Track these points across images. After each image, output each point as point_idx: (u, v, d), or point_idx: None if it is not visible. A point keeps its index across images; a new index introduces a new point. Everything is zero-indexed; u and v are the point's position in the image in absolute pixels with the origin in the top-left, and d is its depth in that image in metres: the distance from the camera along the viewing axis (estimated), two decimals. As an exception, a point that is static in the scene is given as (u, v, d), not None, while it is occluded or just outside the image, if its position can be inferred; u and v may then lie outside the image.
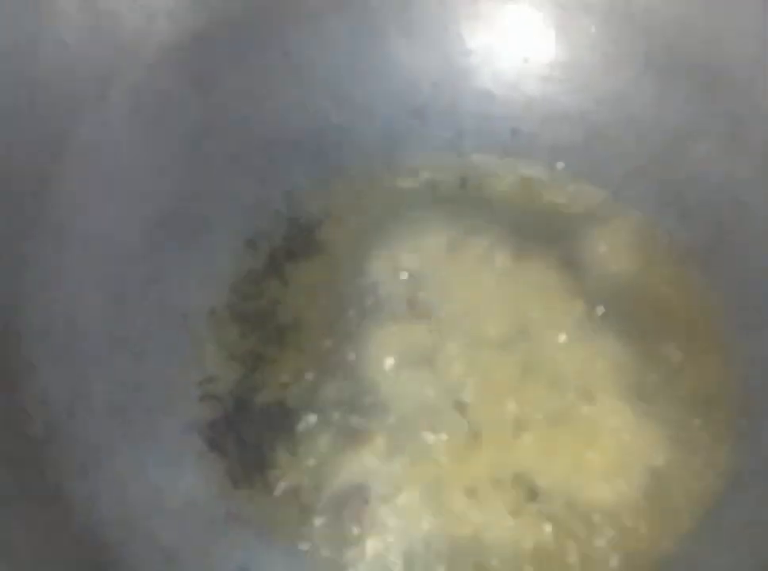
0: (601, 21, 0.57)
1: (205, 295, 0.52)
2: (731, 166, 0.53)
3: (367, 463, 0.45)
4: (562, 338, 0.50)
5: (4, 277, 0.45)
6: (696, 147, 0.55)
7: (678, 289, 0.52)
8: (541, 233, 0.54)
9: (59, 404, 0.42)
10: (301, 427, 0.47)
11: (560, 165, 0.58)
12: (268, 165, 0.57)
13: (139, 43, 0.53)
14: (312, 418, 0.47)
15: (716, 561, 0.42)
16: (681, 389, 0.48)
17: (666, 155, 0.56)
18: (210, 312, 0.52)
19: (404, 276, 0.53)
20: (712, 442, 0.46)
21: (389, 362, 0.50)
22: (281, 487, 0.45)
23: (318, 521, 0.44)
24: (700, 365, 0.49)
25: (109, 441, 0.44)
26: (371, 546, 0.43)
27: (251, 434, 0.47)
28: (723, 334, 0.50)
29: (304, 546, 0.43)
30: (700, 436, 0.47)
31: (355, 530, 0.44)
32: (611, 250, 0.54)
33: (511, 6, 0.59)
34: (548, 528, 0.44)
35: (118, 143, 0.52)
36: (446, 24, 0.59)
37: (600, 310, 0.51)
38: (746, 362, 0.49)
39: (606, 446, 0.46)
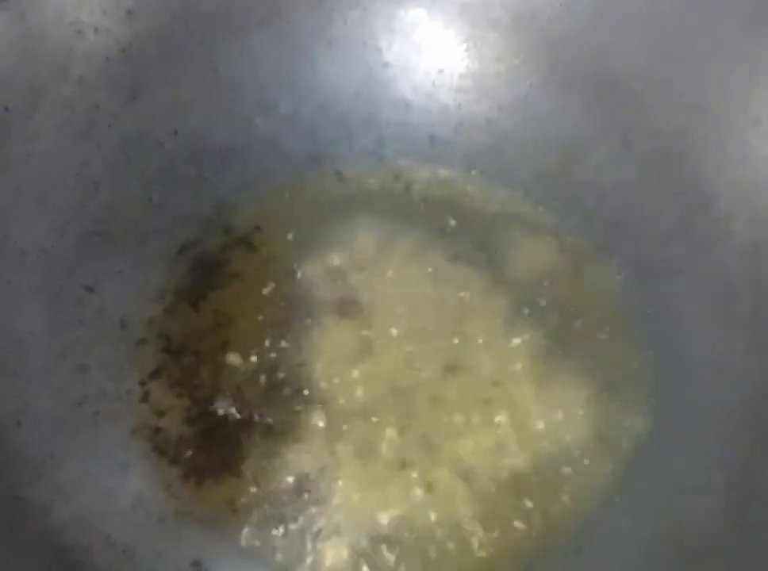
0: (507, 35, 0.62)
1: (141, 304, 0.54)
2: (624, 171, 0.58)
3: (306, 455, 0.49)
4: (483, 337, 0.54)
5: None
6: (592, 153, 0.60)
7: (588, 284, 0.57)
8: (464, 233, 0.59)
9: (5, 416, 0.44)
10: (240, 426, 0.50)
11: (475, 168, 0.62)
12: (198, 175, 0.59)
13: (68, 57, 0.54)
14: (253, 415, 0.50)
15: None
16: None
17: (566, 159, 0.61)
18: (149, 321, 0.54)
19: (335, 278, 0.56)
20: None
21: (322, 359, 0.53)
22: (226, 484, 0.48)
23: (264, 514, 0.47)
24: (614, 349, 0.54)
25: (57, 449, 0.45)
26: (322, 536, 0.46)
27: (194, 437, 0.49)
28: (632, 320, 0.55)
29: (253, 541, 0.46)
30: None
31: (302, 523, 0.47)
32: (527, 248, 0.58)
33: (425, 22, 0.63)
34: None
35: (49, 156, 0.53)
36: (365, 39, 0.62)
37: (523, 309, 0.55)
38: (653, 341, 0.54)
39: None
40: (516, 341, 0.54)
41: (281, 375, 0.52)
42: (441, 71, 0.63)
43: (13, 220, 0.50)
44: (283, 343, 0.53)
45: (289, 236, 0.58)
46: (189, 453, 0.49)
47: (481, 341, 0.54)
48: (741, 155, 0.53)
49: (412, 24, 0.63)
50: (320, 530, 0.47)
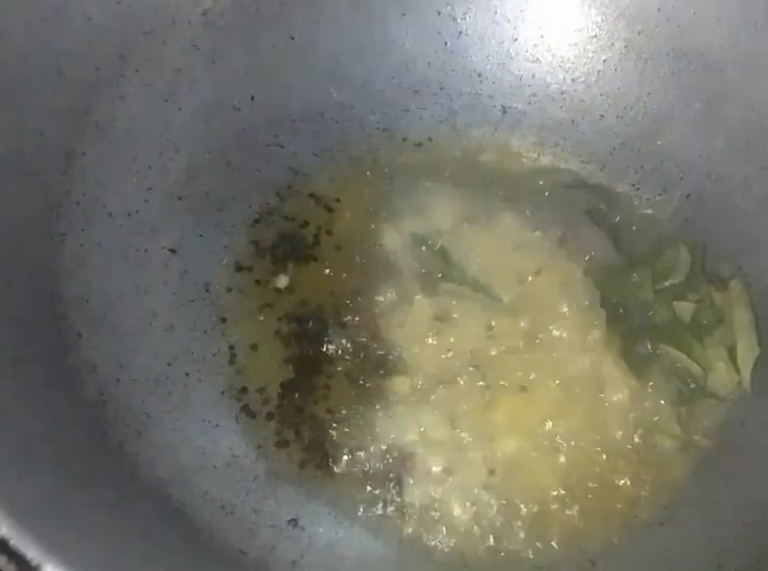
0: (584, 6, 0.61)
1: (224, 267, 0.55)
2: (707, 143, 0.58)
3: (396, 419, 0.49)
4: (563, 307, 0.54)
5: (42, 250, 0.46)
6: (674, 126, 0.59)
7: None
8: (539, 205, 0.58)
9: (106, 373, 0.44)
10: (331, 383, 0.50)
11: (548, 140, 0.62)
12: (274, 142, 0.59)
13: (153, 20, 0.54)
14: (341, 377, 0.50)
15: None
16: None
17: (645, 132, 0.60)
18: (229, 285, 0.54)
19: (416, 247, 0.56)
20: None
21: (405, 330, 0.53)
22: (315, 449, 0.48)
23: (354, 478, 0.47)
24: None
25: (153, 409, 0.46)
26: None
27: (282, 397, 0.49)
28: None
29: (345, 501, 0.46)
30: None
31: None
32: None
33: (501, -9, 0.62)
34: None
35: (135, 119, 0.54)
36: (439, 8, 0.62)
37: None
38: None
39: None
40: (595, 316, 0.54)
41: (365, 342, 0.52)
42: (515, 41, 0.63)
43: (103, 183, 0.50)
44: (365, 313, 0.53)
45: (369, 202, 0.58)
46: (277, 416, 0.49)
47: (565, 310, 0.53)
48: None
49: (487, -8, 0.62)
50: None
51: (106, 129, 0.52)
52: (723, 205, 0.57)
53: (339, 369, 0.51)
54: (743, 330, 0.49)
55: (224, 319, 0.53)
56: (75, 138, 0.50)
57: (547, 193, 0.60)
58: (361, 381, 0.51)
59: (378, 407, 0.50)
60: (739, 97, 0.57)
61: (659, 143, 0.60)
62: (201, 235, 0.55)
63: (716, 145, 0.58)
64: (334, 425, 0.49)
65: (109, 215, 0.50)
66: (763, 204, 0.56)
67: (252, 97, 0.59)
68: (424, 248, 0.56)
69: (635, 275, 0.53)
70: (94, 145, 0.51)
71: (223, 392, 0.49)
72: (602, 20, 0.61)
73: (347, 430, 0.49)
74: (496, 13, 0.63)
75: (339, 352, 0.52)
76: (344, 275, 0.55)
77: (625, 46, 0.61)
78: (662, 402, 0.48)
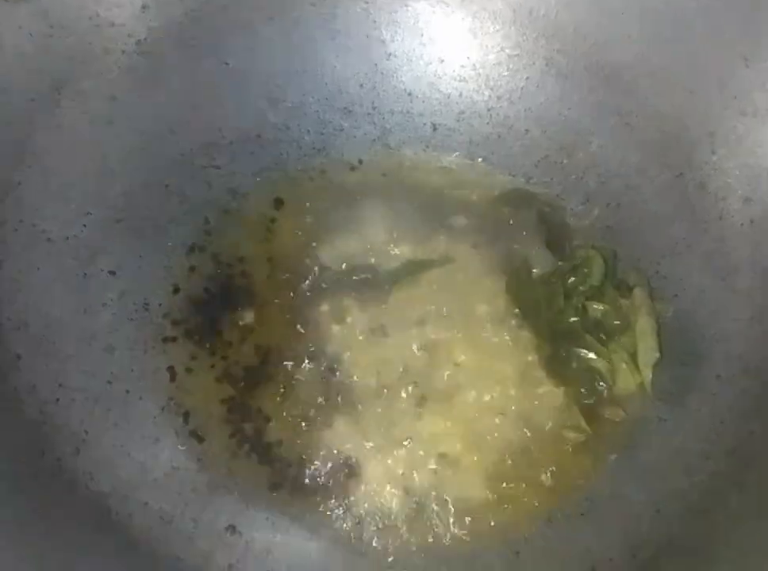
0: (506, 26, 0.64)
1: (163, 288, 0.56)
2: (624, 153, 0.61)
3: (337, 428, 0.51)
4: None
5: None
6: (593, 139, 0.62)
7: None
8: (468, 217, 0.61)
9: (45, 393, 0.46)
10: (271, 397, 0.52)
11: (477, 155, 0.65)
12: (212, 164, 0.61)
13: (87, 51, 0.56)
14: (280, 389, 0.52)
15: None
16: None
17: (566, 145, 0.63)
18: (170, 306, 0.56)
19: (351, 264, 0.58)
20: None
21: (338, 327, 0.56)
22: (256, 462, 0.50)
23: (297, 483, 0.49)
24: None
25: (92, 425, 0.47)
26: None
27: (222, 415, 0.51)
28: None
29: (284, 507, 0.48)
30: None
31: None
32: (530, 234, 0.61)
33: (427, 14, 0.65)
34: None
35: (71, 146, 0.55)
36: (368, 32, 0.64)
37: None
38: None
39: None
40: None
41: (303, 356, 0.54)
42: (442, 62, 0.66)
43: (40, 209, 0.52)
44: (300, 328, 0.55)
45: (306, 221, 0.60)
46: (217, 430, 0.51)
47: (489, 324, 0.56)
48: (733, 139, 0.57)
49: (414, 16, 0.65)
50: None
51: (43, 158, 0.53)
52: (642, 212, 0.60)
53: (278, 382, 0.53)
54: (645, 335, 0.52)
55: (164, 339, 0.54)
56: (12, 168, 0.51)
57: (477, 207, 0.63)
58: (300, 394, 0.53)
59: (319, 418, 0.52)
60: (652, 109, 0.60)
61: (581, 155, 0.63)
62: (140, 257, 0.56)
63: (633, 155, 0.61)
64: (275, 436, 0.51)
65: (47, 240, 0.52)
66: (679, 208, 0.59)
67: (188, 122, 0.61)
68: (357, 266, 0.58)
69: (553, 280, 0.55)
70: (32, 174, 0.52)
71: (163, 408, 0.51)
72: (523, 39, 0.64)
73: (288, 440, 0.51)
74: (422, 35, 0.65)
75: (279, 366, 0.54)
76: (284, 294, 0.57)
77: (546, 64, 0.64)
78: (575, 399, 0.51)
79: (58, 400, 0.46)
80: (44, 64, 0.53)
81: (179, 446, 0.49)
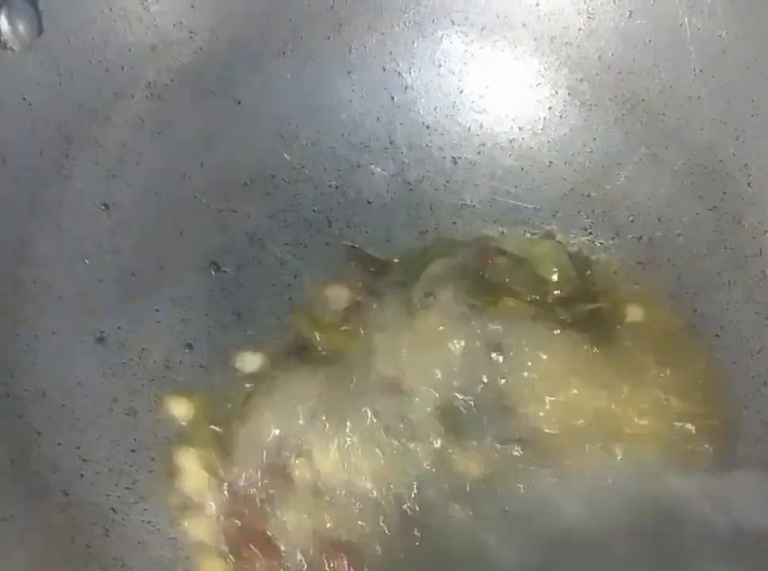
0: (527, 56, 0.62)
1: (180, 341, 0.54)
2: (654, 186, 0.59)
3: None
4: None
5: (-5, 345, 0.45)
6: (621, 171, 0.60)
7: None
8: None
9: (69, 469, 0.43)
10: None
11: (499, 189, 0.63)
12: (227, 207, 0.59)
13: (96, 97, 0.53)
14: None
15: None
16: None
17: (593, 177, 0.61)
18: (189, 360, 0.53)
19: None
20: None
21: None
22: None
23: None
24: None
25: (118, 502, 0.45)
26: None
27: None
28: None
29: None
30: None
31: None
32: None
33: (445, 44, 0.63)
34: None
35: (82, 198, 0.53)
36: (384, 65, 0.62)
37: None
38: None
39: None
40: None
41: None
42: (461, 92, 0.64)
43: (53, 267, 0.50)
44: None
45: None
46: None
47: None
48: (766, 171, 0.55)
49: (432, 46, 0.63)
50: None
51: (54, 212, 0.51)
52: (675, 247, 0.58)
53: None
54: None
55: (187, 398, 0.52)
56: (23, 226, 0.49)
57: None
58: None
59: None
60: (681, 141, 0.58)
61: (608, 187, 0.61)
62: (157, 311, 0.54)
63: (663, 188, 0.59)
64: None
65: (60, 299, 0.50)
66: (714, 243, 0.57)
67: (201, 164, 0.58)
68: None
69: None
70: (43, 230, 0.50)
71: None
72: (545, 68, 0.62)
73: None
74: (440, 66, 0.63)
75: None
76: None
77: (569, 93, 0.62)
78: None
79: (82, 476, 0.44)
80: (52, 114, 0.50)
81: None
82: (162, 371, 0.52)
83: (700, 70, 0.56)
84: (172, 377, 0.52)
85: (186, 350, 0.53)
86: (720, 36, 0.54)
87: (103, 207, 0.54)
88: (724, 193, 0.56)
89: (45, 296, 0.49)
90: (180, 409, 0.50)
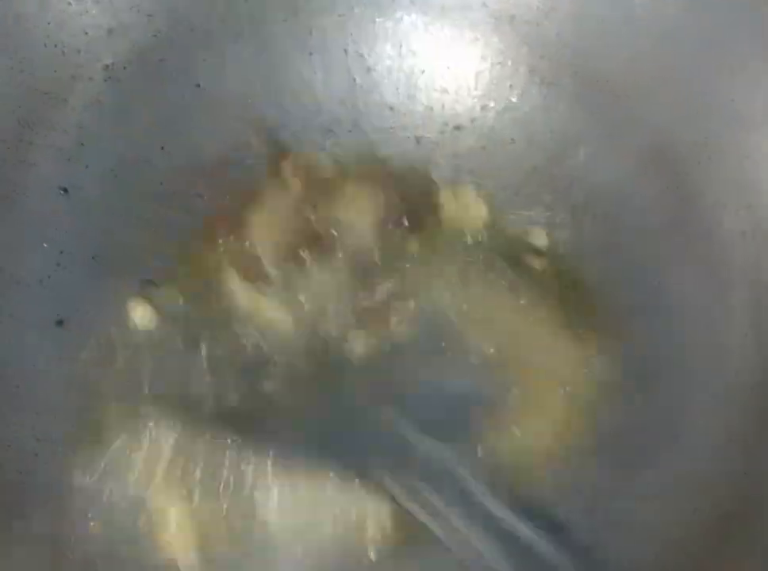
0: (487, 35, 0.62)
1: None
2: (614, 165, 0.59)
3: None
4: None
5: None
6: (580, 150, 0.61)
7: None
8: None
9: (24, 448, 0.44)
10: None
11: (462, 168, 0.63)
12: (191, 191, 0.59)
13: (53, 80, 0.53)
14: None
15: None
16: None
17: (553, 156, 0.62)
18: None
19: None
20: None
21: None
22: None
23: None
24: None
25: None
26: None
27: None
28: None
29: None
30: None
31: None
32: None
33: (405, 25, 0.63)
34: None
35: (42, 183, 0.53)
36: (345, 47, 0.62)
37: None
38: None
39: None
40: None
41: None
42: (423, 72, 0.64)
43: (12, 253, 0.50)
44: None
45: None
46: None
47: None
48: (723, 149, 0.55)
49: (392, 27, 0.63)
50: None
51: (11, 196, 0.51)
52: (633, 224, 0.59)
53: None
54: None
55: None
56: (-22, 211, 0.49)
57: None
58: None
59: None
60: (640, 118, 0.58)
61: (569, 164, 0.61)
62: (117, 293, 0.54)
63: (622, 166, 0.59)
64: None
65: (17, 283, 0.50)
66: (672, 221, 0.57)
67: (162, 148, 0.59)
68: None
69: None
70: (2, 216, 0.50)
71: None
72: (505, 47, 0.62)
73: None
74: (401, 47, 0.63)
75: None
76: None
77: (529, 72, 0.62)
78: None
79: (36, 455, 0.44)
80: (8, 100, 0.50)
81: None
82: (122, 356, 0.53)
83: (656, 50, 0.57)
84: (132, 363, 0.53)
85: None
86: (672, 14, 0.54)
87: (62, 191, 0.54)
88: (682, 171, 0.57)
89: (2, 280, 0.49)
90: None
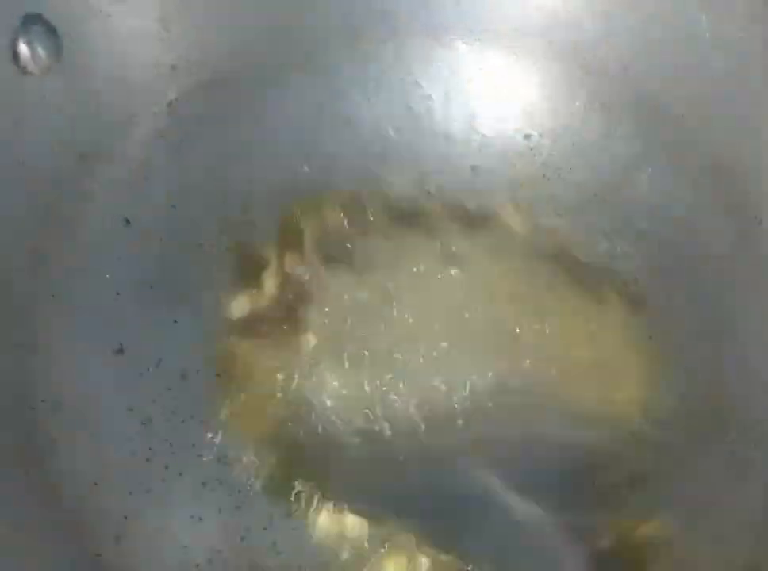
0: (546, 62, 0.62)
1: (199, 352, 0.55)
2: (674, 190, 0.58)
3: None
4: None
5: (13, 356, 0.46)
6: (641, 175, 0.59)
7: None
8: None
9: (83, 477, 0.44)
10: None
11: (520, 196, 0.62)
12: (248, 221, 0.60)
13: (117, 115, 0.55)
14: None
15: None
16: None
17: (613, 183, 0.60)
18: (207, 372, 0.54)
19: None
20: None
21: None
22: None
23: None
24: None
25: (131, 509, 0.45)
26: None
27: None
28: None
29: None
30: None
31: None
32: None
33: (462, 51, 0.63)
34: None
35: (101, 213, 0.54)
36: (402, 75, 0.63)
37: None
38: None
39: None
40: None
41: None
42: (480, 100, 0.63)
43: (71, 281, 0.51)
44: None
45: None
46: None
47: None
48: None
49: (448, 55, 0.63)
50: None
51: (74, 228, 0.53)
52: (694, 251, 0.57)
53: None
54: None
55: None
56: (41, 241, 0.50)
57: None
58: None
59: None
60: (703, 143, 0.57)
61: (629, 192, 0.60)
62: (175, 322, 0.55)
63: (685, 192, 0.58)
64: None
65: (79, 311, 0.51)
66: (737, 246, 0.56)
67: (221, 179, 0.59)
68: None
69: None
70: (61, 246, 0.52)
71: (204, 484, 0.49)
72: (563, 73, 0.62)
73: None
74: (458, 75, 0.63)
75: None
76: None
77: (587, 98, 0.61)
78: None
79: (96, 484, 0.45)
80: (70, 135, 0.52)
81: (222, 524, 0.47)
82: (178, 382, 0.53)
83: (721, 72, 0.55)
84: (189, 388, 0.53)
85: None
86: (739, 37, 0.53)
87: (125, 222, 0.55)
88: (746, 195, 0.55)
89: (64, 309, 0.50)
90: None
